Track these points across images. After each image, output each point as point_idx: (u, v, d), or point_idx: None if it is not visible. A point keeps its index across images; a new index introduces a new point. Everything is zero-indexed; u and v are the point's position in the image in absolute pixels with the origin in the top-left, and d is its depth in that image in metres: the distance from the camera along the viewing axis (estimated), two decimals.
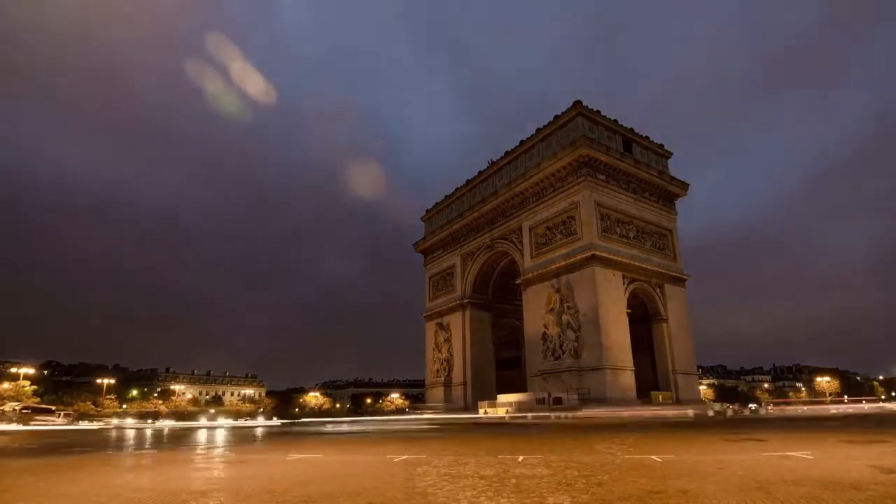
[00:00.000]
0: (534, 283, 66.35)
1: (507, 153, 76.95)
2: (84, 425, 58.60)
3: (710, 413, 55.19)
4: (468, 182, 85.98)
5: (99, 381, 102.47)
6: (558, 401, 55.31)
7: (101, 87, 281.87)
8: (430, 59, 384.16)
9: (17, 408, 58.88)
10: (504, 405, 60.21)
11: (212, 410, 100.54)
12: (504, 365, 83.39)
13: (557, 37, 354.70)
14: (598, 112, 66.91)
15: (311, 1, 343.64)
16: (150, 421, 71.67)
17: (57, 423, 54.74)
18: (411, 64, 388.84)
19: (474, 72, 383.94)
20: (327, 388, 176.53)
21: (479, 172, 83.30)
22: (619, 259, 61.44)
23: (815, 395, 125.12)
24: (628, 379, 57.71)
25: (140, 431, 43.11)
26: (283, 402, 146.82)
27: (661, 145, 74.15)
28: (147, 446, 25.10)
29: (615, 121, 68.43)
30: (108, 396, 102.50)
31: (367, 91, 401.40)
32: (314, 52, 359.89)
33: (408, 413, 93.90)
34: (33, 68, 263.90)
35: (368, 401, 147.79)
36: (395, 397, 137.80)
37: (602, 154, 63.49)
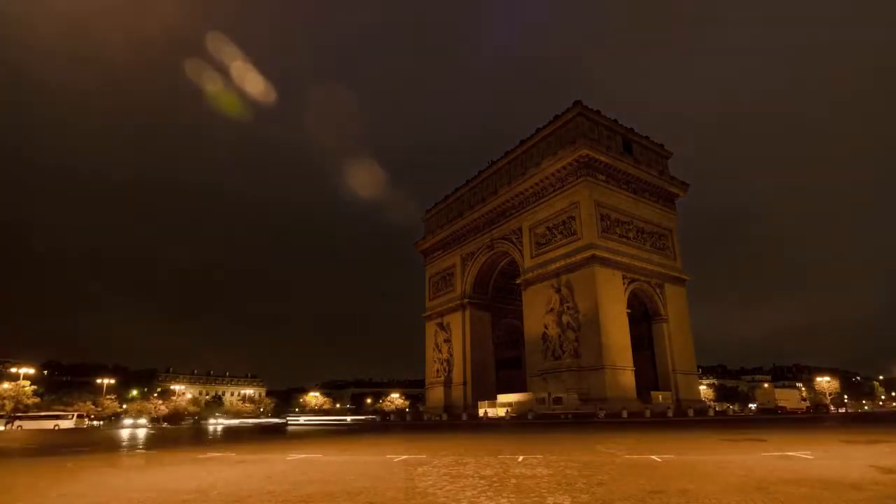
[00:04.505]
0: (534, 283, 66.31)
1: (507, 153, 76.89)
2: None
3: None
4: (468, 182, 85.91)
5: (99, 381, 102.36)
6: (558, 401, 55.30)
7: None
8: None
9: None
10: (504, 405, 60.19)
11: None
12: (504, 365, 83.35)
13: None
14: (598, 112, 66.87)
15: None
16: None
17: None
18: None
19: None
20: (327, 388, 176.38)
21: (479, 172, 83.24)
22: (619, 259, 61.39)
23: (816, 395, 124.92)
24: (628, 379, 57.70)
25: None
26: (284, 402, 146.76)
27: (662, 145, 74.12)
28: (147, 446, 25.10)
29: (615, 120, 68.40)
30: (108, 396, 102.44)
31: None
32: None
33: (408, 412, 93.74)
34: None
35: (369, 401, 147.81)
36: (396, 397, 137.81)
37: (602, 154, 63.43)
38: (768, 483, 8.66)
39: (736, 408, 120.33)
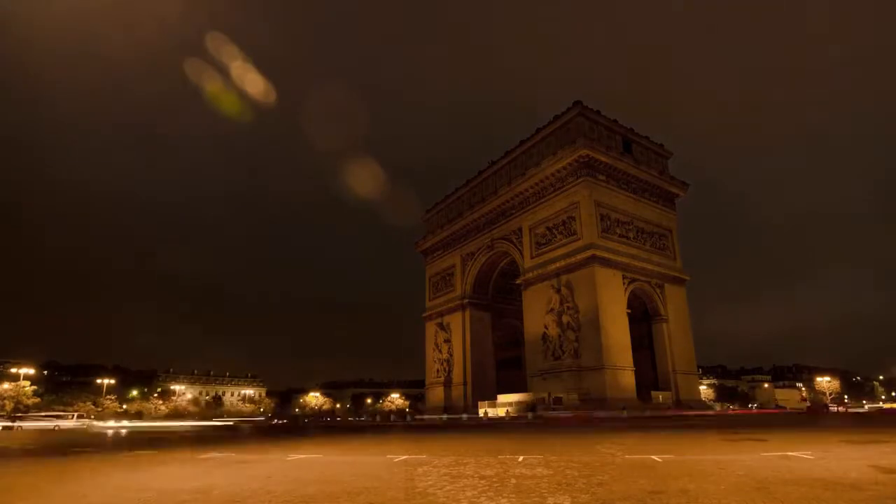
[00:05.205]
0: (534, 283, 66.30)
1: (507, 153, 76.89)
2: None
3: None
4: (468, 182, 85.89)
5: (99, 381, 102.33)
6: (558, 401, 55.34)
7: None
8: None
9: None
10: (504, 405, 60.23)
11: None
12: (504, 365, 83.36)
13: None
14: (598, 112, 66.85)
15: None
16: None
17: None
18: None
19: None
20: (327, 388, 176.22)
21: (479, 172, 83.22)
22: (619, 259, 61.39)
23: (816, 395, 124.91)
24: (628, 379, 57.70)
25: None
26: (284, 402, 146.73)
27: (662, 145, 74.09)
28: (148, 446, 25.09)
29: (615, 121, 68.37)
30: (108, 396, 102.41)
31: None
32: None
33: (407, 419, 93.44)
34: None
35: (368, 401, 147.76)
36: (396, 397, 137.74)
37: (602, 154, 63.44)
38: (768, 483, 8.66)
39: (736, 408, 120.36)
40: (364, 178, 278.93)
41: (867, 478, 9.03)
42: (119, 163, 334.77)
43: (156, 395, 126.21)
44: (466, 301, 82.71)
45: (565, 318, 60.40)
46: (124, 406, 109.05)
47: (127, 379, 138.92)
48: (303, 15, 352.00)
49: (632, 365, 58.66)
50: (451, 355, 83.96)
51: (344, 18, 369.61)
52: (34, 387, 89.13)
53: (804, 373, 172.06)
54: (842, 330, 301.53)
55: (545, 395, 57.90)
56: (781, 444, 16.97)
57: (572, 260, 61.01)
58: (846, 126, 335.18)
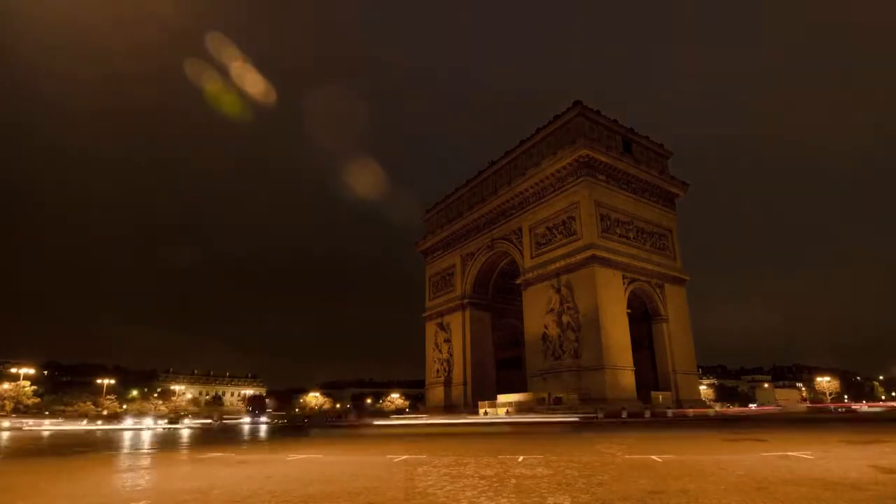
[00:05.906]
0: (534, 283, 66.28)
1: (507, 153, 76.86)
2: None
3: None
4: (468, 182, 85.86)
5: (99, 381, 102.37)
6: (558, 401, 55.33)
7: None
8: None
9: None
10: (504, 405, 60.25)
11: None
12: (504, 365, 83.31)
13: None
14: (598, 112, 66.82)
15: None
16: None
17: None
18: None
19: None
20: (327, 389, 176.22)
21: (479, 172, 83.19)
22: (619, 259, 61.36)
23: (816, 395, 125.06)
24: (628, 379, 57.67)
25: None
26: (284, 402, 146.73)
27: (661, 145, 74.02)
28: (148, 446, 25.11)
29: (615, 121, 68.33)
30: (108, 396, 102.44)
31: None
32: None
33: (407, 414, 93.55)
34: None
35: (369, 401, 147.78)
36: (396, 397, 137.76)
37: (602, 154, 63.39)
38: (768, 483, 8.67)
39: (736, 408, 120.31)
40: (364, 178, 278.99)
41: (867, 478, 9.04)
42: (119, 163, 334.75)
43: (156, 394, 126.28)
44: (466, 301, 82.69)
45: (565, 318, 60.36)
46: (124, 406, 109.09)
47: (127, 379, 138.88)
48: (303, 15, 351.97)
49: (632, 365, 58.62)
50: (451, 355, 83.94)
51: (344, 18, 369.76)
52: (34, 387, 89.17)
53: (804, 373, 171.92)
54: (842, 330, 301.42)
55: (545, 395, 57.87)
56: (781, 444, 16.98)
57: (572, 260, 60.98)
58: (846, 125, 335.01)
